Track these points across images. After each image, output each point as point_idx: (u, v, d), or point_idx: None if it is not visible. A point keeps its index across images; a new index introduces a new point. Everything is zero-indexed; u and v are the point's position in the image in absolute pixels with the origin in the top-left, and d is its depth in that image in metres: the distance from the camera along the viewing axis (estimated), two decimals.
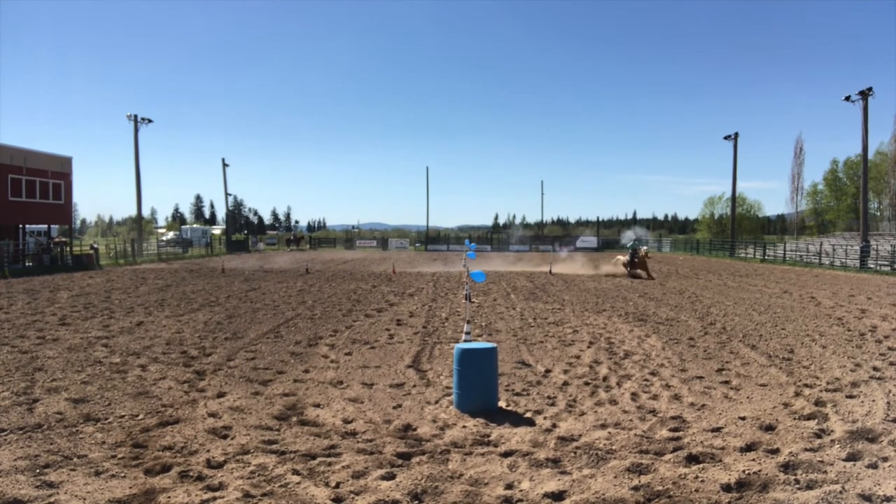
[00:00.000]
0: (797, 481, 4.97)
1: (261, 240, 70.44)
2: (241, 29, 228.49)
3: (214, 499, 4.72)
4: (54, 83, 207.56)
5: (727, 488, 4.89)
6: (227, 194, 62.33)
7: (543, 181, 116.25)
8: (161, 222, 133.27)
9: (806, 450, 5.67)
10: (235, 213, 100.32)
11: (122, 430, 6.27)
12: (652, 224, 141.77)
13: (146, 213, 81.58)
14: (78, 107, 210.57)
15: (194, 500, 4.68)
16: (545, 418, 6.83)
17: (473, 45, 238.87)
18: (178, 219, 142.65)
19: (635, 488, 4.89)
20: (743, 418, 6.77)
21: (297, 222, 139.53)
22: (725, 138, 54.78)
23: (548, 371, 9.16)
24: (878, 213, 59.39)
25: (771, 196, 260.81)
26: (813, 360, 9.90)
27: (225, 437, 6.13)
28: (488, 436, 6.23)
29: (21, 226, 36.37)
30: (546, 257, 45.15)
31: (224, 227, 78.81)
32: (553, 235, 77.62)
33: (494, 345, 7.58)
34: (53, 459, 5.42)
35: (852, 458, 5.47)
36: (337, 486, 4.98)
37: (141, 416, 6.74)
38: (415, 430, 6.47)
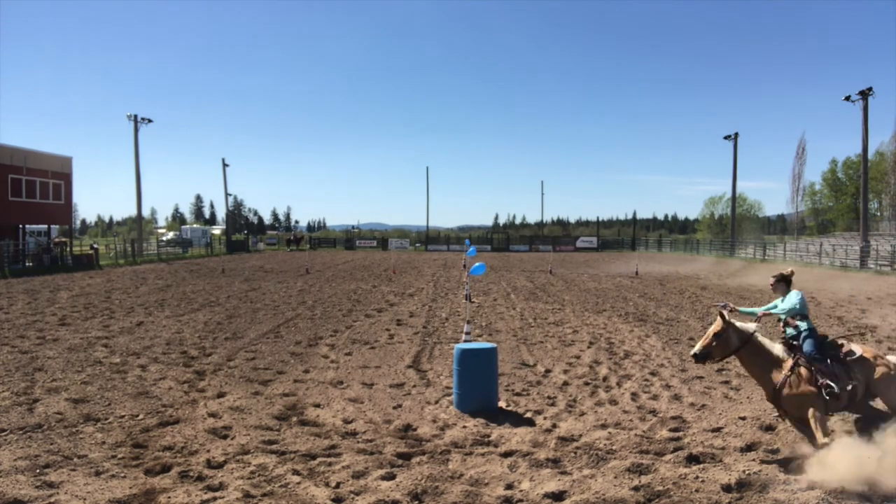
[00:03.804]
0: (798, 481, 4.97)
1: (261, 240, 70.35)
2: (242, 29, 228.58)
3: (214, 499, 4.72)
4: (54, 83, 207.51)
5: (727, 488, 4.89)
6: (227, 194, 62.33)
7: (543, 181, 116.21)
8: (161, 222, 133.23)
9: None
10: (235, 213, 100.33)
11: (122, 430, 6.27)
12: (652, 224, 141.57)
13: (146, 213, 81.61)
14: (78, 107, 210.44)
15: (194, 501, 4.69)
16: (545, 418, 6.83)
17: (473, 45, 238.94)
18: (178, 219, 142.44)
19: (636, 488, 4.90)
20: (743, 418, 6.77)
21: (297, 222, 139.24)
22: (725, 138, 54.72)
23: (548, 371, 9.16)
24: (878, 214, 59.39)
25: (771, 196, 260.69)
26: None
27: (225, 437, 6.14)
28: (488, 436, 6.24)
29: (21, 226, 36.35)
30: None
31: (224, 227, 78.77)
32: (553, 235, 77.58)
33: (494, 345, 7.59)
34: (53, 459, 5.42)
35: None
36: (337, 486, 4.98)
37: (141, 416, 6.75)
38: (415, 430, 6.47)
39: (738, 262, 42.17)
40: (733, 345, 5.68)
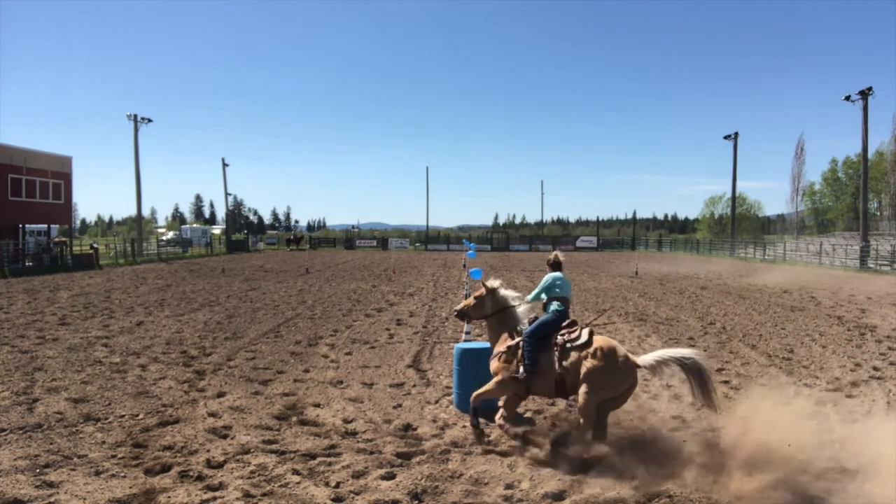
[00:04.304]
0: (798, 481, 4.97)
1: (261, 239, 70.36)
2: (242, 28, 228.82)
3: (214, 499, 4.73)
4: (54, 82, 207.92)
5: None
6: (227, 194, 62.41)
7: (543, 181, 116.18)
8: (161, 222, 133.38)
9: None
10: (235, 213, 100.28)
11: (122, 430, 6.27)
12: (652, 224, 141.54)
13: (146, 212, 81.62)
14: (78, 106, 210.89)
15: (194, 500, 4.69)
16: (545, 418, 6.83)
17: (474, 45, 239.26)
18: (178, 219, 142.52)
19: (636, 488, 4.90)
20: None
21: (297, 222, 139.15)
22: (725, 138, 54.81)
23: None
24: (878, 213, 59.36)
25: (771, 196, 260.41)
26: (813, 360, 9.90)
27: (225, 436, 6.14)
28: (488, 435, 6.24)
29: (21, 226, 36.37)
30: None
31: (224, 226, 78.78)
32: (553, 235, 77.56)
33: None
34: (53, 459, 5.42)
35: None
36: (337, 486, 4.99)
37: (141, 416, 6.75)
38: (415, 429, 6.47)
39: (757, 263, 42.08)
40: (486, 310, 6.30)
